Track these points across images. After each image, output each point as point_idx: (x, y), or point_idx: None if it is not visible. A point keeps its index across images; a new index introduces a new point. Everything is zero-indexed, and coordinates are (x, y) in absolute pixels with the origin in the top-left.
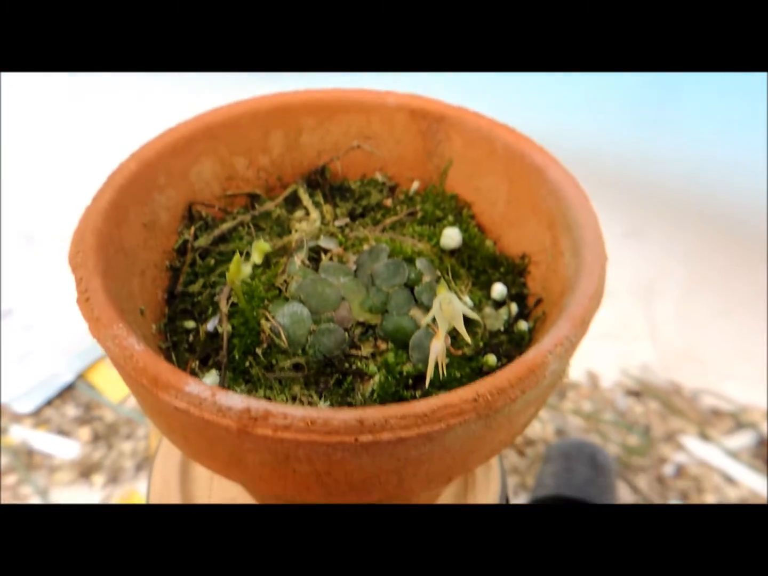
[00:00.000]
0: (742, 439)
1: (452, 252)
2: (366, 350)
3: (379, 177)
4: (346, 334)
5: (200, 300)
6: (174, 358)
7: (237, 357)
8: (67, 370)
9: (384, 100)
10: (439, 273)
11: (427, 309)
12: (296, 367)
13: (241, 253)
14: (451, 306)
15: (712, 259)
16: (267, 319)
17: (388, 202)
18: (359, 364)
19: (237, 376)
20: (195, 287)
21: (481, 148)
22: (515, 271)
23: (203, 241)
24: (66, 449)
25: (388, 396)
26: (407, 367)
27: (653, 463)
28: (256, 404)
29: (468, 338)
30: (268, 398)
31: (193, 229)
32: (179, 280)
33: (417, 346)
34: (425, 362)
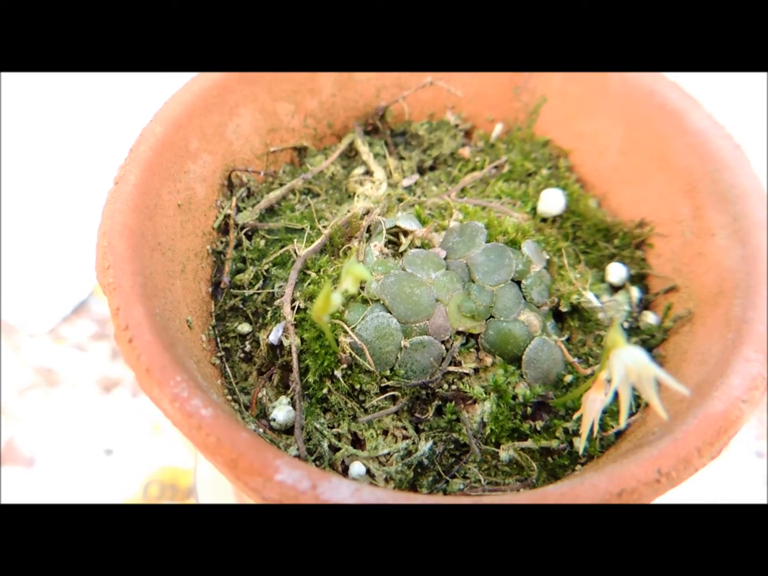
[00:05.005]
0: None
1: (552, 220)
2: (467, 365)
3: (450, 118)
4: (444, 347)
5: (253, 296)
6: (229, 372)
7: (312, 381)
8: (81, 287)
9: None
10: (547, 257)
11: (538, 308)
12: (383, 389)
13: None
14: (644, 370)
15: None
16: (345, 332)
17: (465, 151)
18: (461, 384)
19: (314, 406)
20: (245, 278)
21: (587, 81)
22: (632, 243)
23: (248, 215)
24: (85, 365)
25: (504, 431)
26: (521, 390)
27: None
28: (373, 499)
29: (665, 414)
30: (354, 434)
31: (234, 201)
32: (224, 268)
33: (532, 360)
34: (543, 381)
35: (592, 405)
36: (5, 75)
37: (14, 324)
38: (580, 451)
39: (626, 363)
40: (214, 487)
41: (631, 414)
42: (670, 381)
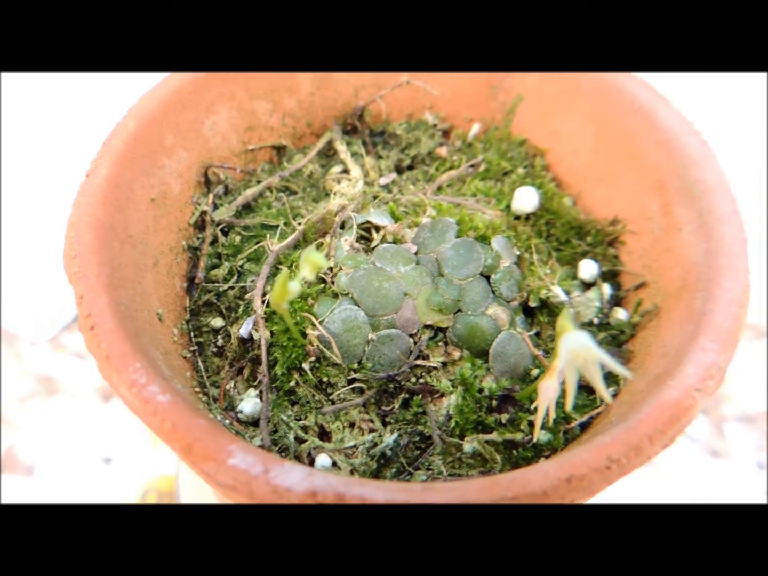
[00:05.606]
0: None
1: (526, 217)
2: (435, 359)
3: (429, 118)
4: (412, 341)
5: (227, 291)
6: (201, 365)
7: (280, 373)
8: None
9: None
10: (518, 253)
11: (507, 302)
12: (351, 381)
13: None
14: (588, 353)
15: None
16: (314, 325)
17: (442, 150)
18: (428, 378)
19: (281, 398)
20: (219, 273)
21: (561, 81)
22: (604, 241)
23: (224, 212)
24: (85, 374)
25: (469, 424)
26: (488, 383)
27: None
28: (323, 484)
29: (608, 397)
30: (321, 426)
31: (211, 197)
32: (200, 263)
33: (499, 354)
34: (510, 374)
35: (546, 392)
36: (5, 75)
37: (15, 332)
38: (534, 439)
39: (571, 347)
40: (195, 491)
41: (596, 407)
42: (614, 365)
